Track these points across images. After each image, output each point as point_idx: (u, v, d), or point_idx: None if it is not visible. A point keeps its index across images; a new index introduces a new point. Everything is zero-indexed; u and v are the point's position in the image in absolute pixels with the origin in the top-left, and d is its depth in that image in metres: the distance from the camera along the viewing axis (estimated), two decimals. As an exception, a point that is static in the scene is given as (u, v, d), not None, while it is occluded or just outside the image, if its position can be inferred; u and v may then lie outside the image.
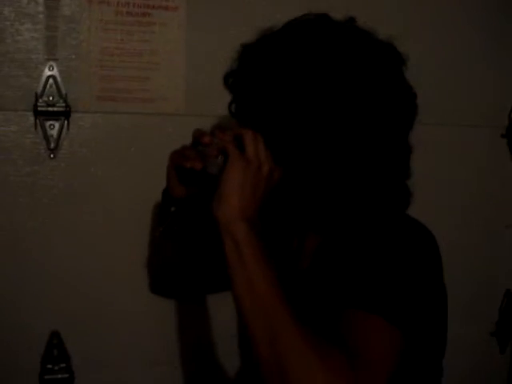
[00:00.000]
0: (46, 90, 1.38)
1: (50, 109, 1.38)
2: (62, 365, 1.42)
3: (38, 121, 1.38)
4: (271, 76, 0.97)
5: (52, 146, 1.39)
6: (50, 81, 1.38)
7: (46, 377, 1.41)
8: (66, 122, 1.39)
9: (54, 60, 1.38)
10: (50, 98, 1.38)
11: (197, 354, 1.53)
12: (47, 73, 1.38)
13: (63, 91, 1.38)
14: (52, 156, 1.39)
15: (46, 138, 1.39)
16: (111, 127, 1.43)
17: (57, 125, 1.39)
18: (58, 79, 1.38)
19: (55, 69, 1.38)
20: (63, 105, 1.39)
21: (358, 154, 0.96)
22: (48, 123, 1.39)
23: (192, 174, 1.01)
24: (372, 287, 0.88)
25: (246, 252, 0.87)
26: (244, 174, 0.91)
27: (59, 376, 1.41)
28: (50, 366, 1.41)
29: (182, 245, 1.19)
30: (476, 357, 1.74)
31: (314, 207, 1.00)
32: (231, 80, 1.04)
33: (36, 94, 1.37)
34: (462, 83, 1.67)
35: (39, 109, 1.38)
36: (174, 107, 1.46)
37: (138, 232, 1.42)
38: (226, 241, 0.89)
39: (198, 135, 0.98)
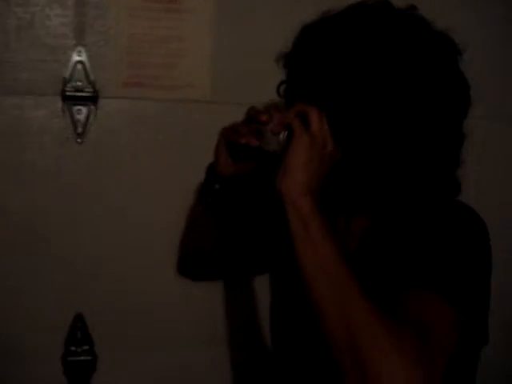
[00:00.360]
0: (75, 75, 1.39)
1: (78, 94, 1.40)
2: (85, 347, 1.43)
3: (65, 106, 1.40)
4: (331, 59, 0.98)
5: (79, 130, 1.41)
6: (79, 66, 1.39)
7: (69, 358, 1.43)
8: (93, 107, 1.41)
9: (83, 46, 1.39)
10: (78, 84, 1.40)
11: (225, 335, 1.54)
12: (76, 58, 1.39)
13: (91, 77, 1.40)
14: (79, 141, 1.41)
15: (74, 122, 1.40)
16: (138, 113, 1.44)
17: (84, 110, 1.41)
18: (87, 65, 1.39)
19: (84, 54, 1.39)
20: (91, 90, 1.40)
21: (411, 139, 0.98)
22: (75, 108, 1.40)
23: (246, 151, 1.01)
24: (433, 268, 0.90)
25: (313, 226, 0.88)
26: (310, 150, 0.91)
27: (82, 358, 1.43)
28: (73, 348, 1.43)
29: (222, 224, 1.19)
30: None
31: (368, 188, 1.02)
32: (288, 60, 1.05)
33: (64, 78, 1.39)
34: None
35: (67, 93, 1.39)
36: (201, 94, 1.46)
37: (164, 216, 1.43)
38: (291, 215, 0.89)
39: (254, 113, 0.98)
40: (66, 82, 1.39)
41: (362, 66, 0.96)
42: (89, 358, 1.44)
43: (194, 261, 1.33)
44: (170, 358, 1.49)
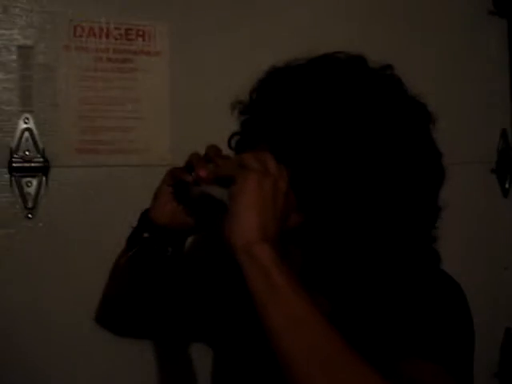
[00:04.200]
0: (22, 144, 1.27)
1: (27, 164, 1.27)
2: None
3: (13, 178, 1.27)
4: (297, 111, 0.88)
5: (29, 205, 1.28)
6: (26, 134, 1.27)
7: None
8: (44, 178, 1.29)
9: (30, 112, 1.28)
10: (26, 153, 1.27)
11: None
12: (22, 126, 1.27)
13: (40, 145, 1.28)
14: (30, 216, 1.28)
15: (23, 196, 1.28)
16: (94, 182, 1.32)
17: (34, 182, 1.28)
18: (35, 132, 1.28)
19: (31, 121, 1.28)
20: (41, 160, 1.28)
21: (380, 210, 0.88)
22: (25, 180, 1.28)
23: (191, 198, 0.90)
24: (432, 338, 0.81)
25: (277, 277, 0.73)
26: (261, 187, 0.78)
27: None
28: None
29: (146, 279, 1.04)
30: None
31: (331, 263, 0.90)
32: (249, 108, 0.96)
33: (11, 149, 1.26)
34: (448, 119, 1.62)
35: (14, 165, 1.27)
36: (160, 157, 1.36)
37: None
38: (247, 267, 0.75)
39: (195, 161, 0.90)
40: (12, 152, 1.26)
41: (330, 124, 0.87)
42: None
43: (111, 311, 1.20)
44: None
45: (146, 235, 0.98)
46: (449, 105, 1.60)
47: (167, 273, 1.02)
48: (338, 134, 0.86)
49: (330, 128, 0.87)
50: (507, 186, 1.70)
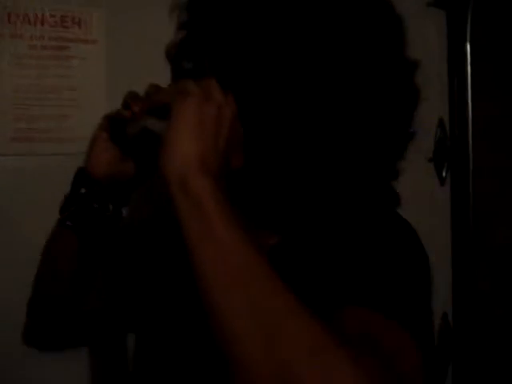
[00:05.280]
0: (-47, 132, 1.25)
1: (-42, 153, 1.26)
2: None
3: None
4: (245, 31, 0.76)
5: (-39, 195, 1.26)
6: (-43, 122, 1.25)
7: None
8: (-24, 167, 1.27)
9: (-39, 99, 1.26)
10: (-42, 142, 1.26)
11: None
12: (-47, 113, 1.25)
13: (-28, 133, 1.26)
14: (-39, 206, 1.26)
15: (-46, 186, 1.26)
16: (29, 170, 1.31)
17: (-34, 170, 1.27)
18: (-33, 120, 1.26)
19: (-37, 109, 1.26)
20: (-26, 148, 1.26)
21: (336, 139, 0.76)
22: (-45, 170, 1.26)
23: (131, 139, 0.81)
24: (383, 287, 0.71)
25: (214, 215, 0.63)
26: (201, 112, 0.68)
27: None
28: None
29: (87, 246, 0.91)
30: None
31: (277, 201, 0.80)
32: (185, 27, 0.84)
33: None
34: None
35: None
36: (97, 146, 1.35)
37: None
38: (181, 204, 0.64)
39: (130, 97, 0.86)
40: None
41: (282, 42, 0.74)
42: None
43: (46, 304, 0.98)
44: None
45: (83, 191, 0.89)
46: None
47: (108, 238, 0.92)
48: (292, 53, 0.74)
49: (282, 47, 0.75)
50: (444, 174, 1.75)
